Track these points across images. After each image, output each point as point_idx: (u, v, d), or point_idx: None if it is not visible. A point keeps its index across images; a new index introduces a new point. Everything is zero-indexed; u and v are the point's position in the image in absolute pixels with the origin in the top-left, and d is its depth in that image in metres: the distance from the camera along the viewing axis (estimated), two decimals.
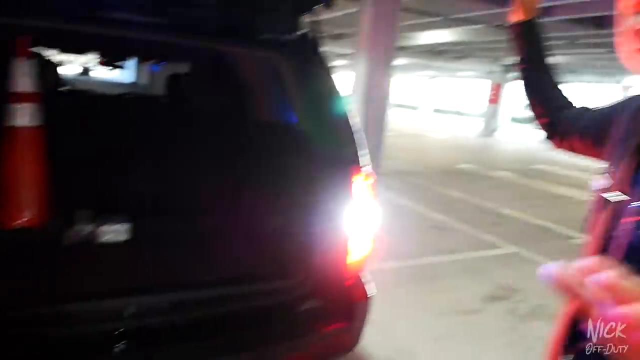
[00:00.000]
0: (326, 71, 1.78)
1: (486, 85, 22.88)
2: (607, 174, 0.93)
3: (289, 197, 2.04)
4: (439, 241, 5.32)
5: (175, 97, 2.86)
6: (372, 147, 8.14)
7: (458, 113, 36.56)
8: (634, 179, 0.85)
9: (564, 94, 1.32)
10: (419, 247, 5.06)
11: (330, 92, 1.76)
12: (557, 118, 1.27)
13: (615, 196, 0.87)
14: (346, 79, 8.94)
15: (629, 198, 0.84)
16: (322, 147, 1.78)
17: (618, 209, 0.85)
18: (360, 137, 1.85)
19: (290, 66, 1.73)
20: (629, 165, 0.87)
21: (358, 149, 1.81)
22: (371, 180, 1.86)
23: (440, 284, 4.18)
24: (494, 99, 21.73)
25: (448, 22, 10.61)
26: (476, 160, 12.76)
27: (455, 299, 3.88)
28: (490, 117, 21.48)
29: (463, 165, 11.47)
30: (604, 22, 9.60)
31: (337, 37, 15.13)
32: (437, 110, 37.50)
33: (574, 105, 1.29)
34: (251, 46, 1.77)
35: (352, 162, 1.78)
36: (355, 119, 1.89)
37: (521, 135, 23.04)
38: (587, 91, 29.34)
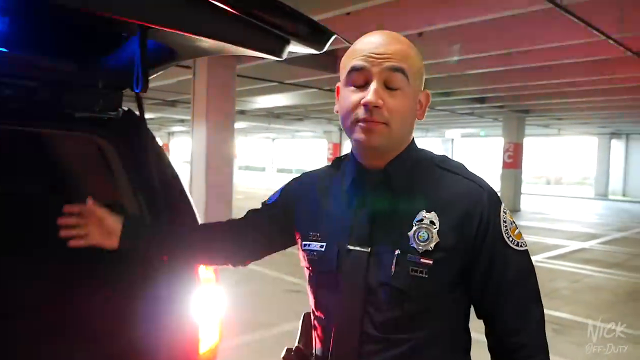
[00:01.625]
0: (153, 148, 1.57)
1: (325, 144, 24.11)
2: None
3: (122, 290, 1.75)
4: (297, 305, 5.19)
5: None
6: (219, 215, 7.99)
7: (301, 171, 37.81)
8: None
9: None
10: (276, 313, 4.87)
11: (160, 170, 1.56)
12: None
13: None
14: (186, 145, 8.66)
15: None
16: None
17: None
18: (195, 212, 1.66)
19: (111, 146, 1.50)
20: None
21: (197, 224, 1.63)
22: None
23: None
24: (333, 157, 22.91)
25: (283, 87, 11.02)
26: None
27: None
28: None
29: None
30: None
31: (173, 103, 14.85)
32: (281, 170, 38.45)
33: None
34: (60, 126, 1.51)
35: None
36: (190, 197, 1.70)
37: None
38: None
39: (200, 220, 1.65)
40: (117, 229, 1.26)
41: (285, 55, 1.12)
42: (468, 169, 1.10)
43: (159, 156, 1.59)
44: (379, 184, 1.06)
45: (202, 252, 1.32)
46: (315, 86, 10.78)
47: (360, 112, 0.99)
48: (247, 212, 1.29)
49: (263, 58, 1.10)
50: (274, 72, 9.60)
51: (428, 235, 1.01)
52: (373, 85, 0.98)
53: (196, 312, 1.63)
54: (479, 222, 1.02)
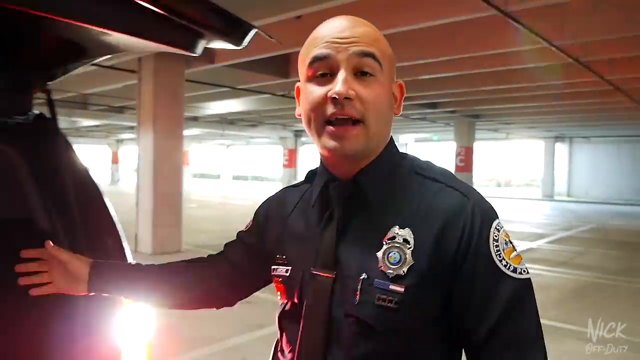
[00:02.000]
0: (68, 157, 1.41)
1: (281, 150, 24.02)
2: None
3: (29, 312, 1.59)
4: (247, 316, 5.05)
5: None
6: (169, 224, 7.76)
7: (258, 178, 37.56)
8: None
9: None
10: (226, 326, 4.72)
11: (77, 182, 1.41)
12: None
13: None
14: (133, 153, 8.37)
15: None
16: (74, 244, 1.41)
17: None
18: (118, 227, 1.52)
19: (18, 154, 1.34)
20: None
21: (120, 241, 1.49)
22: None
23: None
24: (289, 164, 22.85)
25: (235, 92, 10.85)
26: None
27: None
28: (288, 180, 22.47)
29: None
30: None
31: (120, 109, 14.42)
32: (236, 177, 38.05)
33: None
34: None
35: (113, 258, 1.44)
36: (113, 212, 1.56)
37: None
38: None
39: (125, 239, 1.51)
40: (84, 274, 1.12)
41: (199, 51, 1.02)
42: (454, 176, 0.92)
43: (75, 165, 1.45)
44: (348, 197, 0.90)
45: (181, 296, 1.15)
46: (268, 91, 10.68)
47: (329, 108, 0.83)
48: (225, 245, 1.15)
49: (179, 53, 0.99)
50: (226, 77, 9.44)
51: (400, 256, 0.83)
52: (341, 75, 0.83)
53: (118, 336, 1.50)
54: (459, 239, 0.82)
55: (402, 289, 0.81)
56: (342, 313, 0.85)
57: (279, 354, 0.99)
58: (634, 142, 21.43)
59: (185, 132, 19.75)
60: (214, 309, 1.16)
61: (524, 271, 0.83)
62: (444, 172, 0.92)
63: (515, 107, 12.75)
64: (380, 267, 0.83)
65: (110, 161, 32.97)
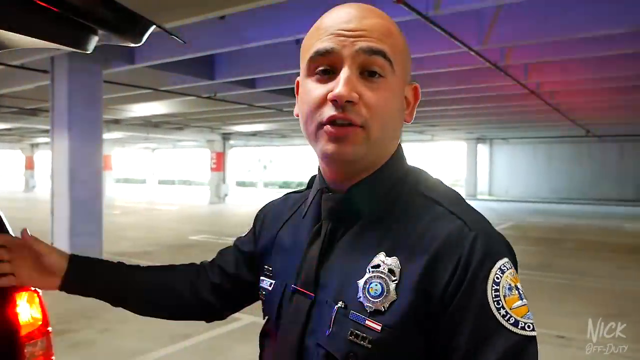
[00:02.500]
0: None
1: (208, 153, 23.47)
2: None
3: None
4: (172, 327, 4.83)
5: None
6: (87, 232, 7.34)
7: (186, 182, 36.63)
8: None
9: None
10: (149, 338, 4.49)
11: None
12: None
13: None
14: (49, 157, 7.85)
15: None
16: None
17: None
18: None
19: None
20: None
21: None
22: (37, 297, 1.39)
23: None
24: (217, 167, 22.38)
25: (158, 94, 10.45)
26: (208, 229, 12.66)
27: None
28: (216, 184, 21.97)
29: (195, 237, 11.20)
30: None
31: (34, 112, 13.53)
32: (163, 182, 36.93)
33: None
34: None
35: None
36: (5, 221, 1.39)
37: (251, 198, 24.13)
38: (297, 153, 32.75)
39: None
40: (60, 269, 0.98)
41: (91, 48, 0.90)
42: (462, 199, 0.81)
43: None
44: (339, 211, 0.80)
45: (170, 305, 1.04)
46: (193, 94, 10.37)
47: (328, 111, 0.72)
48: (219, 252, 1.06)
49: (70, 50, 0.86)
50: (147, 78, 9.05)
51: (383, 289, 0.70)
52: (344, 73, 0.72)
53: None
54: (451, 274, 0.68)
55: (379, 327, 0.69)
56: (314, 341, 0.75)
57: None
58: (548, 142, 22.83)
59: (106, 136, 18.90)
60: (204, 321, 1.06)
61: (529, 327, 0.67)
62: (449, 194, 0.80)
63: (439, 110, 13.17)
64: (359, 297, 0.72)
65: (25, 167, 30.96)
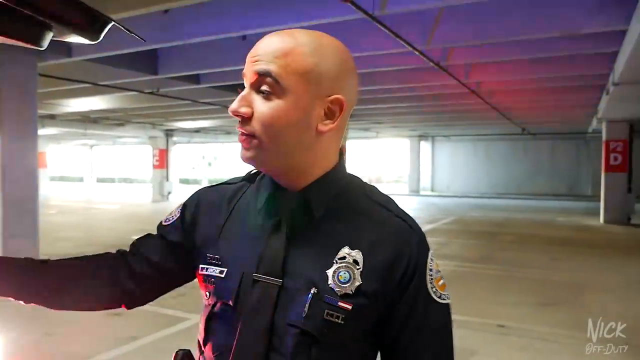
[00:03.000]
0: None
1: (150, 150, 22.82)
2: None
3: None
4: (118, 329, 4.70)
5: None
6: (22, 233, 6.98)
7: (126, 180, 35.50)
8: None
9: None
10: (95, 341, 4.34)
11: None
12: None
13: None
14: None
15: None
16: None
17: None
18: None
19: None
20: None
21: None
22: None
23: None
24: (160, 164, 21.82)
25: (98, 89, 10.07)
26: (151, 228, 12.17)
27: None
28: (159, 182, 21.42)
29: (137, 236, 10.89)
30: None
31: None
32: (102, 180, 35.66)
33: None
34: None
35: None
36: None
37: None
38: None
39: None
40: None
41: (45, 44, 0.86)
42: (396, 203, 0.97)
43: None
44: (298, 208, 0.91)
45: (90, 296, 1.01)
46: (135, 89, 10.06)
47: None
48: (138, 239, 1.07)
49: (21, 46, 0.81)
50: (86, 72, 8.70)
51: (350, 276, 0.87)
52: (245, 90, 0.88)
53: None
54: (405, 268, 0.89)
55: (350, 307, 0.86)
56: (284, 322, 0.87)
57: (200, 356, 0.98)
58: (487, 140, 23.72)
59: (41, 132, 18.00)
60: (124, 308, 1.05)
61: (446, 297, 0.93)
62: (389, 200, 0.97)
63: (384, 108, 13.40)
64: (330, 284, 0.87)
65: None
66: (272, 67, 0.84)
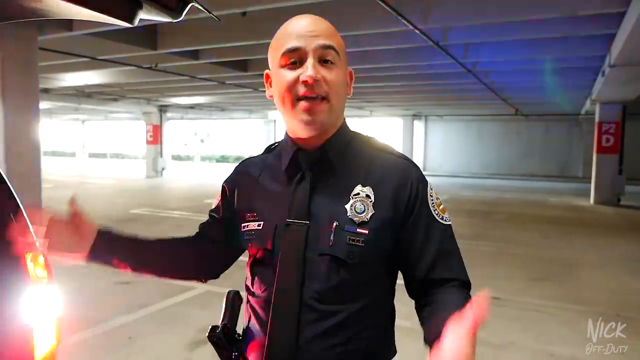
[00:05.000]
0: None
1: (144, 126, 22.70)
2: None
3: None
4: (129, 297, 4.85)
5: None
6: (27, 208, 7.03)
7: (119, 156, 35.34)
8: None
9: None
10: (108, 308, 4.49)
11: None
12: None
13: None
14: None
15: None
16: None
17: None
18: (17, 204, 1.40)
19: None
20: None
21: (25, 222, 1.36)
22: (42, 258, 1.44)
23: (139, 344, 3.76)
24: (154, 140, 21.76)
25: (95, 63, 10.03)
26: (149, 203, 12.42)
27: (157, 357, 3.54)
28: (153, 158, 21.38)
29: (137, 210, 10.99)
30: (246, 65, 10.69)
31: None
32: (94, 155, 35.47)
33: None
34: None
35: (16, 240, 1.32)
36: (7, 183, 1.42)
37: (189, 172, 23.70)
38: (236, 126, 32.40)
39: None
40: (88, 240, 1.15)
41: (136, 22, 0.96)
42: (395, 148, 1.19)
43: None
44: (317, 162, 1.12)
45: (178, 269, 1.31)
46: (134, 63, 10.03)
47: (301, 89, 1.05)
48: (200, 225, 1.32)
49: (110, 24, 0.91)
50: (85, 46, 8.66)
51: (364, 207, 1.07)
52: (310, 61, 1.05)
53: (28, 314, 1.39)
54: (409, 194, 1.10)
55: (367, 231, 1.06)
56: (315, 253, 1.06)
57: (249, 297, 1.17)
58: (480, 120, 23.84)
59: None
60: (201, 281, 1.35)
61: (448, 219, 1.15)
62: (388, 145, 1.20)
63: (378, 87, 13.43)
64: (349, 215, 1.07)
65: None
66: (332, 42, 1.08)
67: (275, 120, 27.38)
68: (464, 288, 1.11)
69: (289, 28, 1.10)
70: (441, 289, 1.08)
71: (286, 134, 1.18)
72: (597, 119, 13.79)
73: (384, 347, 1.15)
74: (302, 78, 1.04)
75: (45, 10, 0.91)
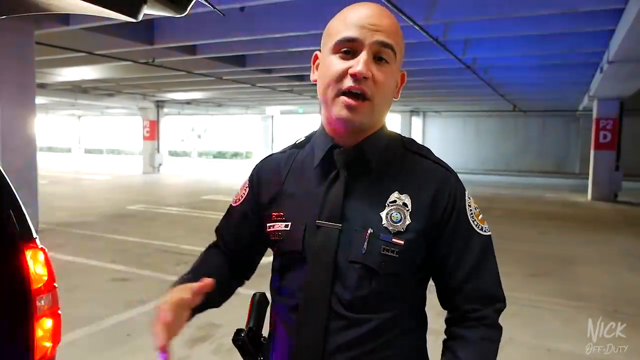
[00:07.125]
0: None
1: (140, 122, 22.62)
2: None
3: None
4: (126, 294, 4.83)
5: None
6: (22, 203, 7.01)
7: (114, 152, 35.25)
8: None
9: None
10: (104, 306, 4.47)
11: None
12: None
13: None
14: None
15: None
16: None
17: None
18: (16, 200, 1.38)
19: None
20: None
21: (24, 217, 1.34)
22: (42, 254, 1.42)
23: (138, 341, 3.74)
24: (150, 136, 21.69)
25: (92, 58, 9.97)
26: (145, 199, 12.38)
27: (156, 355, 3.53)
28: (150, 154, 21.32)
29: (133, 207, 10.95)
30: (244, 61, 10.64)
31: None
32: (90, 151, 35.38)
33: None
34: None
35: (17, 237, 1.30)
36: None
37: (186, 168, 23.66)
38: (233, 122, 32.34)
39: None
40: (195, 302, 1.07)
41: (141, 16, 0.94)
42: (433, 152, 1.12)
43: None
44: (353, 161, 1.05)
45: (226, 291, 1.23)
46: (130, 58, 9.98)
47: (347, 82, 0.98)
48: (217, 229, 1.26)
49: (109, 18, 0.89)
50: (82, 40, 8.61)
51: (401, 216, 1.01)
52: (363, 56, 0.97)
53: (28, 314, 1.37)
54: (446, 204, 1.04)
55: (402, 242, 1.00)
56: (346, 259, 1.01)
57: (276, 300, 1.12)
58: (477, 116, 23.85)
59: None
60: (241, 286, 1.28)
61: (487, 230, 1.09)
62: (427, 149, 1.12)
63: None
64: (384, 224, 1.01)
65: None
66: (393, 41, 1.00)
67: (272, 116, 27.33)
68: (491, 327, 1.06)
69: (350, 14, 1.01)
70: (466, 332, 1.03)
71: (322, 126, 1.10)
72: (594, 115, 13.81)
73: (415, 356, 1.11)
74: (351, 71, 0.97)
75: (49, 4, 0.89)
